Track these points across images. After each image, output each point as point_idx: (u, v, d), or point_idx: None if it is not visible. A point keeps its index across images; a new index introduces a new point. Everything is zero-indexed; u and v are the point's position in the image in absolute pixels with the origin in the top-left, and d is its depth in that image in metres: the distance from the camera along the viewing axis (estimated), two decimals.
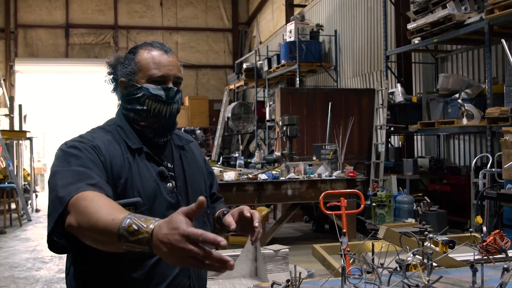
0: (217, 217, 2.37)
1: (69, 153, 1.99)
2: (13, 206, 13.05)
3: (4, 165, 13.88)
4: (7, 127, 17.57)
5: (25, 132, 14.36)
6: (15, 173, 12.98)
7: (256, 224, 2.06)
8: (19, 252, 9.33)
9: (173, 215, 1.54)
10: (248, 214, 2.10)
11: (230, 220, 2.17)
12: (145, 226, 1.59)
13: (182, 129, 16.41)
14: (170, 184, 2.17)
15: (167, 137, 2.25)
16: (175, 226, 1.50)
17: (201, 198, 1.53)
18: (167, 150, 2.27)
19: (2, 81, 20.48)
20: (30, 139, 14.52)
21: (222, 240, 1.47)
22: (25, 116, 17.73)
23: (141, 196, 2.05)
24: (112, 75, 2.28)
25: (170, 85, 2.17)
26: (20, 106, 16.97)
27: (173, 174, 2.21)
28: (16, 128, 16.68)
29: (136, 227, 1.59)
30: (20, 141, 14.54)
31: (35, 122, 20.32)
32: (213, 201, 2.52)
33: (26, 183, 15.04)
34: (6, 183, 12.91)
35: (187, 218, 1.52)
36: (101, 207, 1.73)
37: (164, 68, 2.16)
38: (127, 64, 2.21)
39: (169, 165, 2.23)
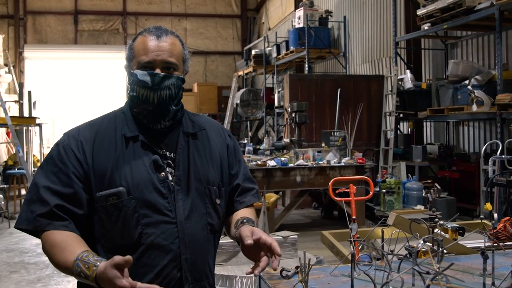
0: (236, 222, 2.27)
1: (51, 155, 2.15)
2: (23, 192, 13.13)
3: (14, 151, 13.94)
4: (16, 114, 17.61)
5: (34, 118, 14.39)
6: (25, 159, 13.03)
7: (278, 253, 2.04)
8: (29, 238, 9.38)
9: (107, 266, 1.80)
10: (276, 248, 2.05)
11: (248, 234, 2.08)
12: (89, 274, 1.85)
13: None
14: (163, 173, 2.14)
15: (163, 124, 2.19)
16: (110, 280, 1.78)
17: (128, 257, 1.77)
18: (170, 138, 2.22)
19: (11, 68, 20.51)
20: (39, 125, 14.55)
21: None
22: (34, 103, 17.77)
23: (128, 185, 2.07)
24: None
25: (157, 71, 2.13)
26: (29, 92, 17.00)
27: (171, 162, 2.18)
28: (26, 114, 16.71)
29: (83, 275, 1.87)
30: (30, 128, 14.58)
31: (45, 109, 20.33)
32: (239, 194, 2.40)
33: (35, 169, 15.09)
34: (16, 169, 12.98)
35: (118, 270, 1.77)
36: (56, 253, 2.01)
37: (151, 53, 2.13)
38: (128, 50, 2.22)
39: (168, 153, 2.19)
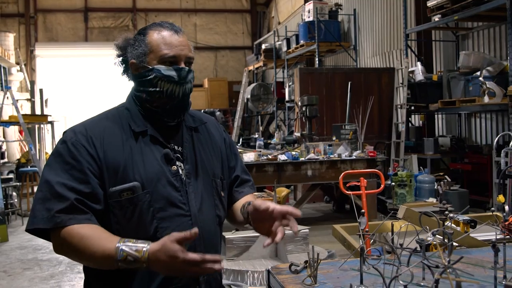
0: (241, 207, 2.31)
1: (58, 152, 2.08)
2: (36, 189, 13.19)
3: (27, 149, 14.02)
4: (28, 112, 17.72)
5: (46, 116, 14.46)
6: (37, 157, 13.09)
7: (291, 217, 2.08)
8: None
9: (167, 242, 1.78)
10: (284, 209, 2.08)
11: (261, 203, 2.13)
12: (139, 256, 1.83)
13: (202, 111, 16.39)
14: (175, 167, 2.15)
15: (180, 118, 2.22)
16: (173, 255, 1.78)
17: (195, 230, 1.78)
18: (176, 132, 2.24)
19: (23, 66, 20.61)
20: (51, 123, 14.61)
21: (221, 259, 1.81)
22: (46, 100, 17.87)
23: (142, 179, 2.06)
24: (121, 57, 2.27)
25: (182, 65, 2.15)
26: (41, 90, 17.10)
27: (180, 156, 2.20)
28: (38, 112, 16.82)
29: (132, 258, 1.84)
30: (42, 125, 14.66)
31: (56, 106, 20.45)
32: (238, 185, 2.46)
33: None
34: (29, 166, 13.04)
35: (180, 245, 1.78)
36: (91, 244, 1.91)
37: (175, 48, 2.14)
38: (137, 45, 2.19)
39: (176, 147, 2.21)
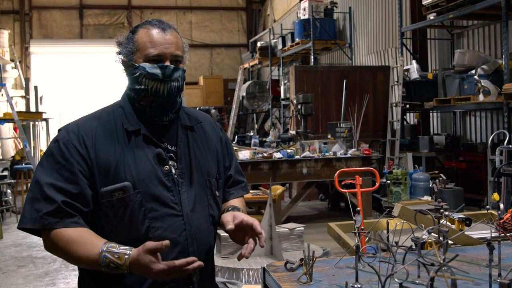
0: (222, 211, 2.36)
1: (50, 151, 2.10)
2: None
3: (21, 146, 13.98)
4: (23, 109, 17.65)
5: (41, 113, 14.39)
6: (32, 154, 13.06)
7: (262, 240, 2.14)
8: None
9: (140, 253, 1.85)
10: (258, 229, 2.15)
11: (229, 219, 2.20)
12: (121, 263, 1.88)
13: (198, 108, 16.35)
14: (167, 166, 2.15)
15: (169, 116, 2.21)
16: (145, 265, 1.84)
17: (166, 242, 1.82)
18: (171, 131, 2.23)
19: (18, 63, 20.55)
20: (46, 120, 14.57)
21: (194, 260, 1.86)
22: (41, 98, 17.79)
23: (134, 179, 2.06)
24: (121, 55, 2.27)
25: (167, 63, 2.14)
26: (36, 87, 17.01)
27: (173, 156, 2.19)
28: (32, 109, 16.74)
29: (114, 265, 1.89)
30: (37, 123, 14.60)
31: (51, 103, 20.39)
32: (230, 185, 2.46)
33: None
34: (23, 164, 13.01)
35: (152, 255, 1.83)
36: (76, 249, 1.96)
37: (160, 46, 2.13)
38: (127, 43, 2.20)
39: (169, 147, 2.20)
